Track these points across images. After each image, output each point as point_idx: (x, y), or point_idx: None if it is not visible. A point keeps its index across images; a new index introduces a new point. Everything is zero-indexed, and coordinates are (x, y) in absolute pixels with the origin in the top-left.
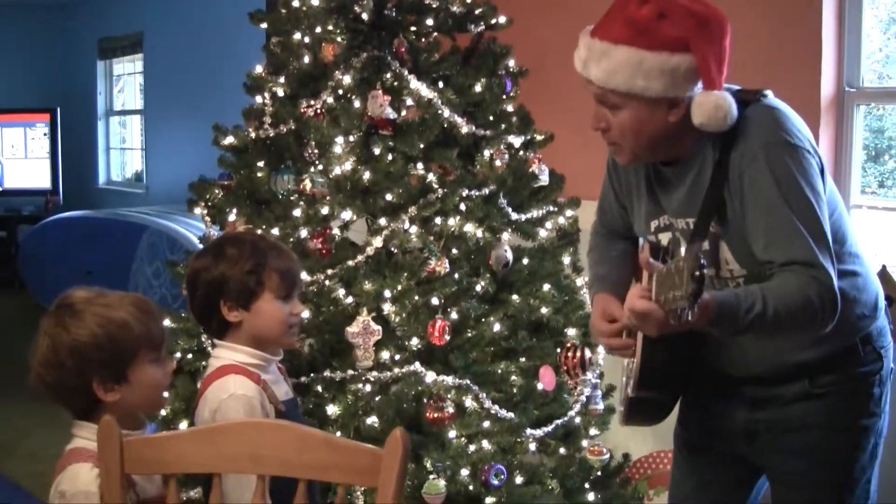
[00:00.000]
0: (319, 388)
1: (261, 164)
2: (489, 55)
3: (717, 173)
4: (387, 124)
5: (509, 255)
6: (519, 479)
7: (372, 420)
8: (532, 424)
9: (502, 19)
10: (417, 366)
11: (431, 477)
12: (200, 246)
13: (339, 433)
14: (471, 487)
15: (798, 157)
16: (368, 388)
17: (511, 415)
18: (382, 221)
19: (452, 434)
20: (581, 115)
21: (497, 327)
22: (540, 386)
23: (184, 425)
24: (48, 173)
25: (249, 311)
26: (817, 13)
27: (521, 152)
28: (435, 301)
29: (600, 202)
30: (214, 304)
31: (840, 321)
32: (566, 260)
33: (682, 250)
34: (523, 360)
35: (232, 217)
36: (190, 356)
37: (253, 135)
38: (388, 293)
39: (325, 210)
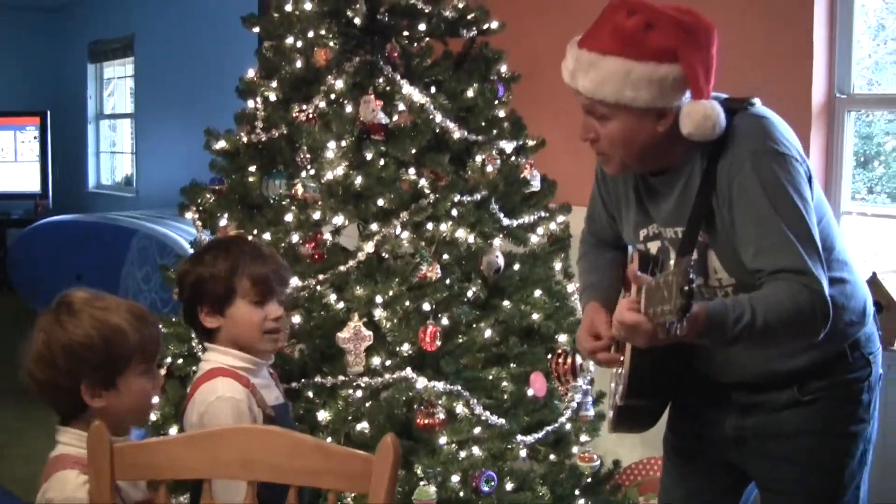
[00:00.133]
0: (310, 394)
1: (253, 168)
2: (481, 60)
3: (706, 182)
4: (379, 129)
5: (501, 261)
6: (509, 486)
7: (362, 426)
8: (523, 431)
9: (494, 24)
10: (408, 371)
11: (422, 483)
12: (191, 250)
13: (329, 439)
14: (461, 494)
15: (786, 165)
16: (359, 393)
17: (502, 421)
18: (374, 226)
19: (443, 440)
20: (573, 121)
21: (488, 333)
22: (531, 392)
23: (173, 430)
24: (38, 177)
25: (225, 317)
26: (808, 20)
27: (513, 158)
28: (426, 307)
29: (589, 211)
30: (195, 309)
31: (829, 328)
32: (557, 266)
33: (672, 260)
34: (514, 366)
35: (223, 221)
36: (180, 361)
37: (245, 139)
38: (379, 298)
39: (316, 215)
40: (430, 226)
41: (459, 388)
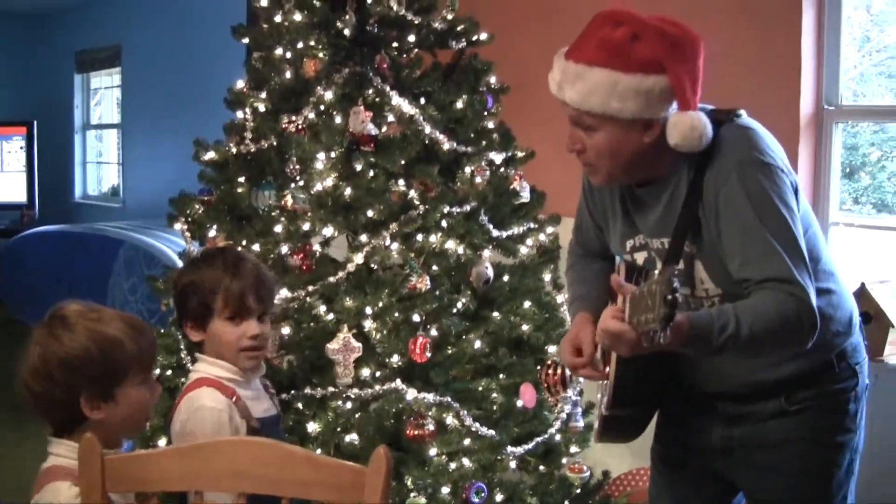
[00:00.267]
0: (300, 405)
1: (242, 179)
2: (471, 71)
3: (692, 193)
4: (368, 140)
5: (490, 272)
6: (499, 497)
7: (352, 437)
8: (512, 442)
9: (484, 36)
10: (398, 383)
11: (412, 495)
12: (179, 261)
13: (319, 450)
14: None
15: (772, 176)
16: (349, 405)
17: (491, 432)
18: (363, 238)
19: (433, 451)
20: (562, 133)
21: (478, 344)
22: (520, 403)
23: (162, 442)
24: (24, 187)
25: (206, 332)
26: (797, 33)
27: (502, 169)
28: (416, 318)
29: (576, 221)
30: (182, 321)
31: (816, 338)
32: (547, 277)
33: (658, 270)
34: (504, 377)
35: (212, 233)
36: (169, 372)
37: (234, 150)
38: (368, 310)
39: (306, 226)
40: (419, 237)
41: (449, 399)
